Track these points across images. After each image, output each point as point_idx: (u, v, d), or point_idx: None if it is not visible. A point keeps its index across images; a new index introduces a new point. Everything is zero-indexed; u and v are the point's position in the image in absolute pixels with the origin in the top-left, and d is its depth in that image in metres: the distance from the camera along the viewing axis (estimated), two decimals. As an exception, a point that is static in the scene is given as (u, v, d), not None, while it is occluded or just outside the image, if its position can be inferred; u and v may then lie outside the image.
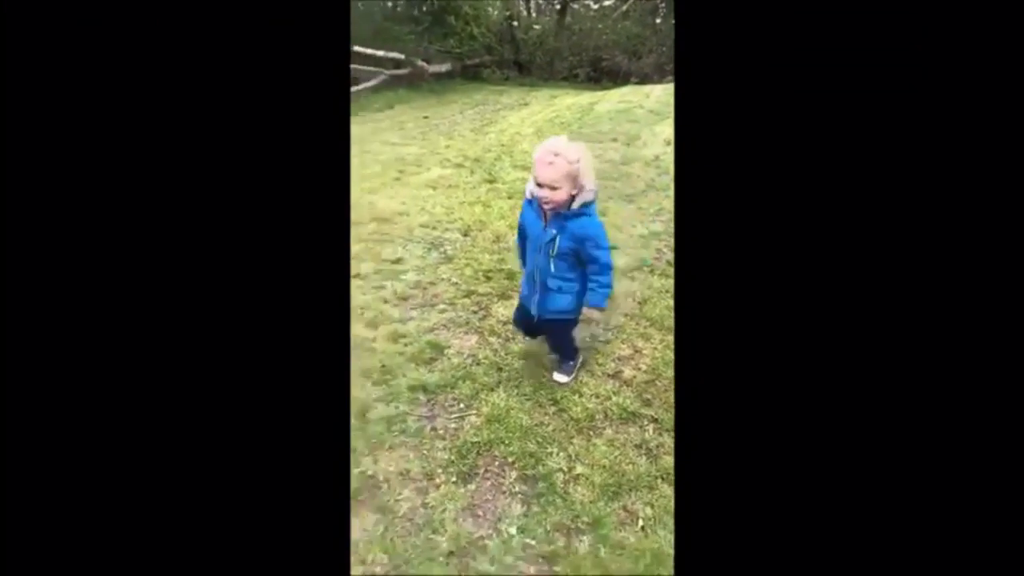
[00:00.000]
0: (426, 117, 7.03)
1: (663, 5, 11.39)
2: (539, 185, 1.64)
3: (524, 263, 1.93)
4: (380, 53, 8.40)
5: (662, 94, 6.35)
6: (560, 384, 2.02)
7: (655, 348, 2.19)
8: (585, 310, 1.82)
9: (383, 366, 2.03)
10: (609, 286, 1.80)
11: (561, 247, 1.74)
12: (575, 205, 1.68)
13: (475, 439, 1.71)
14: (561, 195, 1.64)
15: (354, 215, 3.28)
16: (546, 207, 1.69)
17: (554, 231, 1.73)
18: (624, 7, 11.40)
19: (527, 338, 2.17)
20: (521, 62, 11.09)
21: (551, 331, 2.00)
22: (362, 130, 6.11)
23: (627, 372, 2.07)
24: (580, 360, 2.13)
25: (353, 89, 8.00)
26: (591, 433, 1.77)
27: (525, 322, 2.02)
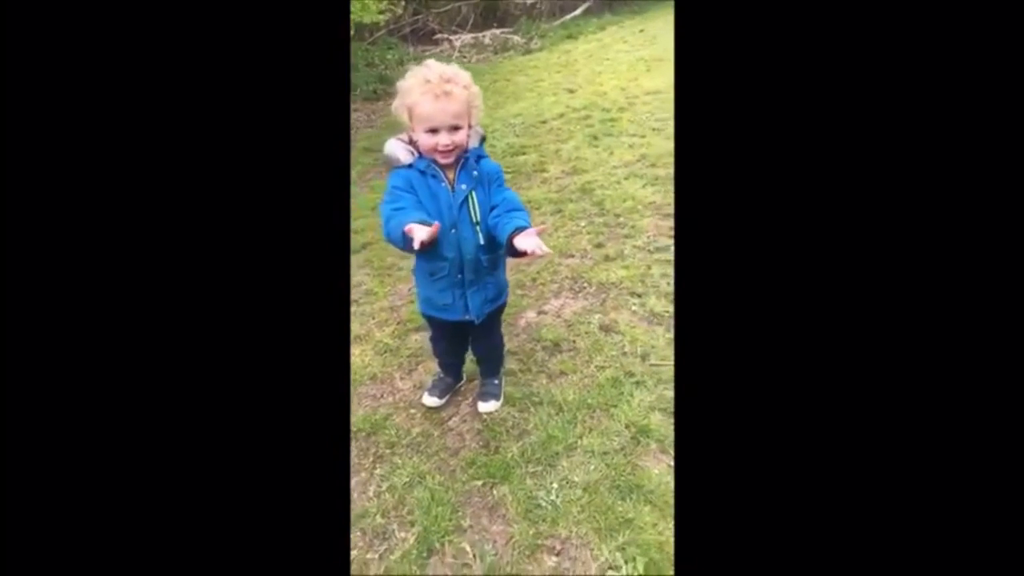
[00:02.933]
0: (642, 30, 7.95)
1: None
2: (432, 131, 1.23)
3: (421, 261, 1.40)
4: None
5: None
6: (488, 413, 1.60)
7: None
8: (521, 242, 1.17)
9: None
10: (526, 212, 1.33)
11: (482, 204, 1.31)
12: (472, 144, 1.31)
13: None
14: (464, 136, 1.27)
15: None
16: (447, 160, 1.27)
17: (467, 186, 1.29)
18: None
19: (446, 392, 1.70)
20: None
21: (488, 330, 1.55)
22: (596, 45, 7.63)
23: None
24: (504, 369, 1.70)
25: (566, 17, 9.69)
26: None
27: (457, 342, 1.61)
